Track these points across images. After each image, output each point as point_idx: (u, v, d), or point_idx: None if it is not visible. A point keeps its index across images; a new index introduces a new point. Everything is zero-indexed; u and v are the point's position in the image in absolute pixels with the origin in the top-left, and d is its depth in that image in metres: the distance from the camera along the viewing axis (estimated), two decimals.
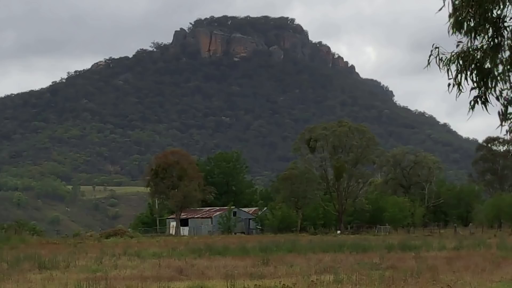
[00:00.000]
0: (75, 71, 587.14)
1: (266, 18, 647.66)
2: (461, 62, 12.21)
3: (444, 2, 12.22)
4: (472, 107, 12.38)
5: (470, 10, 12.06)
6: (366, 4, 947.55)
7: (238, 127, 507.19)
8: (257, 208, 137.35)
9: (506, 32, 12.16)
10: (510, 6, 12.08)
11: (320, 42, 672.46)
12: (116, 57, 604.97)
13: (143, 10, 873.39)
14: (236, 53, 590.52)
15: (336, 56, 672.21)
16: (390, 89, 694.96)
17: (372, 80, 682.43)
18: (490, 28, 12.15)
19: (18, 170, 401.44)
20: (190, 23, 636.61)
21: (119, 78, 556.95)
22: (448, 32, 12.26)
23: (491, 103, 12.30)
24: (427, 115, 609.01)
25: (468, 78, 12.22)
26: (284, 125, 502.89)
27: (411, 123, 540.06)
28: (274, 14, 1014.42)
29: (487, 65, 12.19)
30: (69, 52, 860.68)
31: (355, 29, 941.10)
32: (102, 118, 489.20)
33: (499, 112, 12.38)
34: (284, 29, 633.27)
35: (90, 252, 56.13)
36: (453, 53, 12.28)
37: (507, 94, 12.31)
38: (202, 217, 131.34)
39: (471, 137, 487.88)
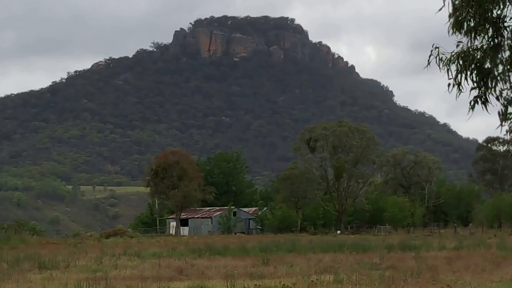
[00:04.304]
0: (75, 71, 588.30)
1: (266, 18, 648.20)
2: (461, 62, 12.21)
3: (444, 2, 12.22)
4: (472, 107, 12.38)
5: (470, 10, 12.06)
6: (366, 4, 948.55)
7: (238, 127, 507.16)
8: (257, 208, 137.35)
9: (506, 32, 12.16)
10: (510, 6, 12.08)
11: (320, 42, 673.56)
12: (116, 57, 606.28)
13: (143, 10, 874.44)
14: (236, 53, 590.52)
15: (336, 56, 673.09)
16: (390, 89, 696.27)
17: (372, 80, 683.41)
18: (490, 28, 12.15)
19: (18, 170, 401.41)
20: (190, 23, 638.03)
21: (119, 78, 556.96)
22: (448, 32, 12.26)
23: (491, 103, 12.30)
24: (427, 115, 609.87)
25: (468, 78, 12.22)
26: (284, 125, 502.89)
27: (411, 123, 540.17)
28: (274, 14, 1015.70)
29: (487, 65, 12.19)
30: (69, 52, 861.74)
31: (355, 29, 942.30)
32: (102, 118, 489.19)
33: (499, 112, 12.38)
34: (284, 29, 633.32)
35: (90, 252, 56.11)
36: (453, 53, 12.28)
37: (507, 94, 12.31)
38: (202, 217, 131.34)
39: (471, 137, 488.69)
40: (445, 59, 12.26)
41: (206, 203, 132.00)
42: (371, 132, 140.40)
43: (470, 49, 12.21)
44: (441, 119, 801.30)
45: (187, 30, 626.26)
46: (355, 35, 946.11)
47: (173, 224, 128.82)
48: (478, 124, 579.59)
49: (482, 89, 12.27)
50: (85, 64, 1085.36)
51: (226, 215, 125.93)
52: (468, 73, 12.20)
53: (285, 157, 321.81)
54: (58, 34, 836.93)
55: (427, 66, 12.35)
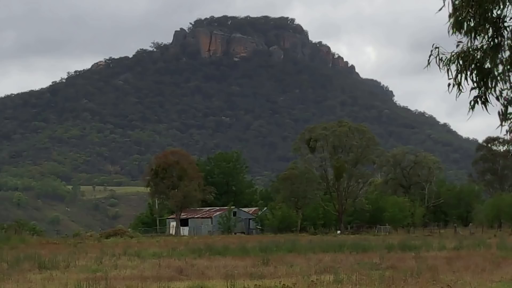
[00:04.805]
0: (75, 71, 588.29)
1: (266, 18, 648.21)
2: (461, 62, 12.20)
3: (444, 2, 12.22)
4: (472, 107, 12.37)
5: (470, 10, 12.06)
6: (366, 4, 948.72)
7: (238, 127, 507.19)
8: (257, 208, 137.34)
9: (506, 32, 12.16)
10: (510, 6, 12.08)
11: (320, 42, 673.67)
12: (116, 57, 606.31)
13: (143, 10, 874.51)
14: (236, 53, 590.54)
15: (336, 56, 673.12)
16: (390, 89, 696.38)
17: (372, 80, 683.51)
18: (490, 28, 12.15)
19: (18, 170, 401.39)
20: (190, 23, 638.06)
21: (119, 78, 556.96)
22: (448, 32, 12.26)
23: (491, 103, 12.30)
24: (427, 115, 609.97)
25: (468, 78, 12.22)
26: (284, 125, 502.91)
27: (411, 123, 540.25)
28: (274, 14, 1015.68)
29: (487, 65, 12.19)
30: (69, 52, 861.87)
31: (355, 29, 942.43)
32: (102, 118, 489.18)
33: (499, 112, 12.38)
34: (284, 29, 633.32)
35: (90, 252, 56.10)
36: (453, 53, 12.27)
37: (507, 94, 12.30)
38: (202, 217, 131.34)
39: (471, 137, 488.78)
40: (445, 59, 12.25)
41: (206, 203, 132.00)
42: (371, 132, 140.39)
43: (470, 49, 12.21)
44: (441, 119, 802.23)
45: (187, 30, 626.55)
46: (355, 35, 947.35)
47: (173, 224, 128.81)
48: (478, 124, 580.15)
49: (482, 89, 12.26)
50: (85, 64, 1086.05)
51: (226, 215, 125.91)
52: (468, 73, 12.20)
53: (285, 157, 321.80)
54: (58, 34, 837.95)
55: (427, 66, 12.36)
